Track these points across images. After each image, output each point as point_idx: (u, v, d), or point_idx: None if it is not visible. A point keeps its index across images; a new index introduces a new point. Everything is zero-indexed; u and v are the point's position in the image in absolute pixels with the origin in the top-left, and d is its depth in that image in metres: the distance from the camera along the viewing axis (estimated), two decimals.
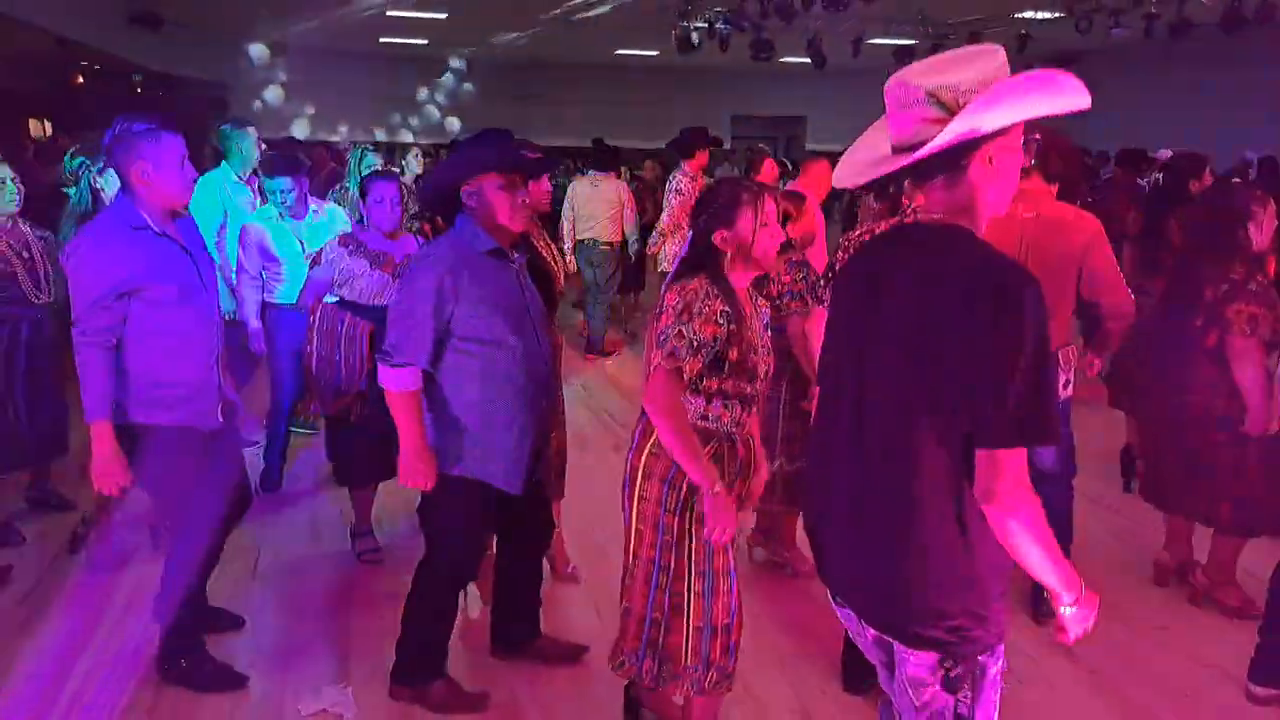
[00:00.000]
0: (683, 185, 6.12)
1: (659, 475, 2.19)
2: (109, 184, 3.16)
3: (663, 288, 2.27)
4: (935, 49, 11.70)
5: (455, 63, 17.25)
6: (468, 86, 17.43)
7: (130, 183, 2.49)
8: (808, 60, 12.46)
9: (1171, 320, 3.26)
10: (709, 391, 2.16)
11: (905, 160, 1.45)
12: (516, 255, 2.51)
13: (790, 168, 8.52)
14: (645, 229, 7.09)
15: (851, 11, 8.74)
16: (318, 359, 3.37)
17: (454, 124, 17.12)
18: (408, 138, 16.77)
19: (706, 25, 11.11)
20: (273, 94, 15.85)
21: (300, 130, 15.14)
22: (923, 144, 1.42)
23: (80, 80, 11.94)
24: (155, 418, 2.56)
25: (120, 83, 13.05)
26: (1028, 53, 12.93)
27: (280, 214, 4.05)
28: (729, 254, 2.18)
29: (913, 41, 12.93)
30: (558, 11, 11.82)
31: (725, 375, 2.14)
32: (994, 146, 1.46)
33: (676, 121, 18.07)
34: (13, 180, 3.49)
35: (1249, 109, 12.11)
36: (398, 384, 2.35)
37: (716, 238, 2.18)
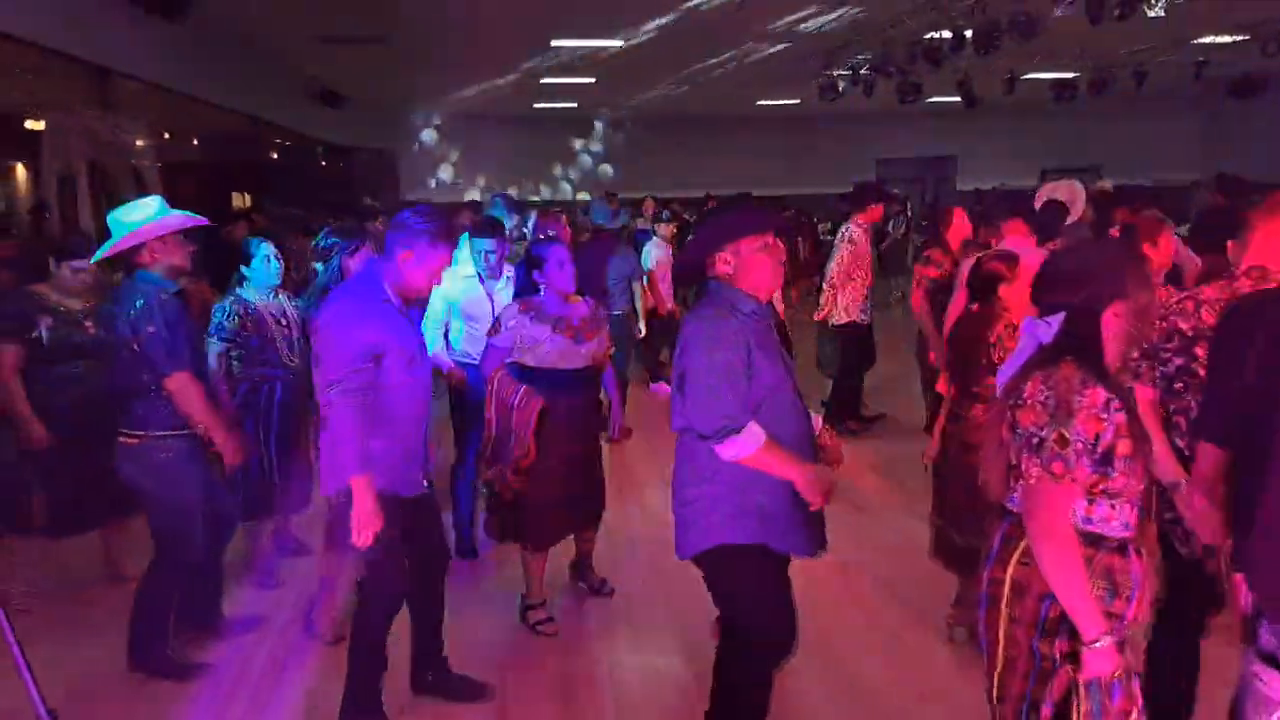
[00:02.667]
0: (856, 235, 5.98)
1: (1035, 592, 1.84)
2: (358, 265, 3.45)
3: (1011, 374, 1.94)
4: (1098, 81, 11.13)
5: (602, 122, 17.95)
6: (615, 148, 18.05)
7: (394, 263, 2.71)
8: (958, 99, 12.15)
9: None
10: (1092, 491, 1.81)
11: None
12: (768, 311, 2.48)
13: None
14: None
15: (1004, 50, 8.47)
16: (497, 425, 3.43)
17: (607, 170, 17.80)
18: (547, 194, 17.56)
19: (850, 72, 11.06)
20: (437, 157, 16.99)
21: (446, 178, 16.14)
22: None
23: (274, 155, 13.23)
24: (380, 483, 2.68)
25: (307, 155, 14.36)
26: (1205, 78, 12.13)
27: (480, 274, 4.17)
28: (1111, 330, 1.85)
29: (1073, 74, 12.37)
30: (698, 68, 12.11)
31: (1115, 473, 1.79)
32: None
33: (819, 169, 18.13)
34: (275, 257, 3.88)
35: None
36: (751, 443, 2.27)
37: (1111, 312, 1.84)
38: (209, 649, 3.48)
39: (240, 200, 12.61)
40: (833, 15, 9.04)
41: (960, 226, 5.27)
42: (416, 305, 2.94)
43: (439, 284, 2.85)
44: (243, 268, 3.90)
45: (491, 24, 9.16)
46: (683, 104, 15.75)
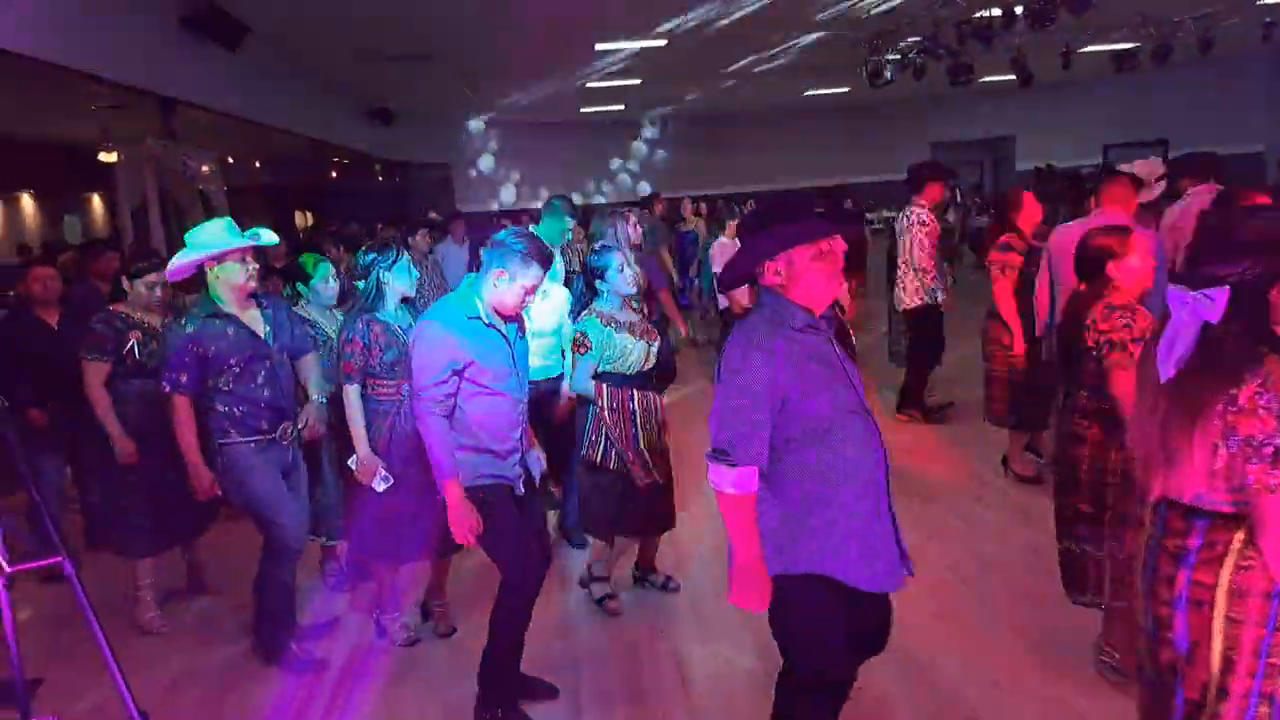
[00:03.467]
0: (926, 217, 5.81)
1: (1260, 591, 1.77)
2: (397, 279, 3.49)
3: (1181, 357, 1.77)
4: (1160, 50, 10.75)
5: (649, 123, 17.99)
6: (660, 154, 18.05)
7: (489, 279, 2.81)
8: (1013, 78, 11.86)
9: None
10: None
11: None
12: (824, 323, 2.26)
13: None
14: None
15: (1059, 24, 8.22)
16: (619, 440, 3.57)
17: (645, 188, 17.85)
18: (599, 199, 17.67)
19: (899, 57, 10.88)
20: (488, 167, 17.24)
21: (508, 195, 16.41)
22: None
23: (333, 174, 13.57)
24: (470, 480, 2.83)
25: (363, 172, 14.70)
26: (1274, 40, 11.62)
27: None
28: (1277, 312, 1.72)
29: (1133, 45, 11.97)
30: (744, 63, 12.05)
31: None
32: None
33: (873, 156, 17.87)
34: (333, 277, 3.99)
35: None
36: (737, 486, 2.11)
37: (1277, 290, 1.70)
38: (321, 657, 3.55)
39: (303, 219, 12.98)
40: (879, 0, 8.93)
41: (1031, 211, 5.07)
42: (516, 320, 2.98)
43: (532, 301, 2.91)
44: (300, 285, 3.99)
45: (536, 32, 9.26)
46: (730, 99, 15.69)
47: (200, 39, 7.20)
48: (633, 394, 3.61)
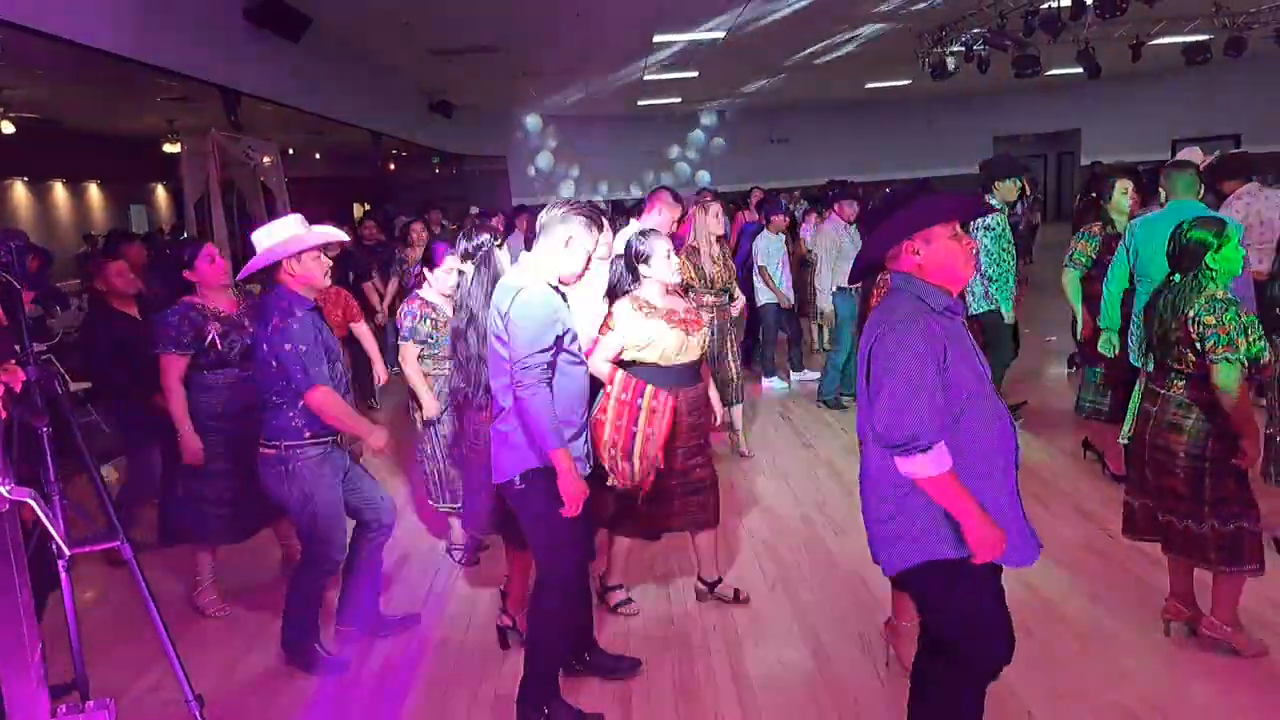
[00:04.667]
0: (991, 220, 5.50)
1: None
2: (504, 257, 3.42)
3: None
4: (1235, 41, 10.33)
5: (707, 118, 17.87)
6: (718, 141, 17.95)
7: (557, 249, 2.77)
8: (1080, 70, 11.52)
9: None
10: None
11: None
12: (959, 306, 2.26)
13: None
14: None
15: (1129, 15, 7.95)
16: (612, 429, 3.19)
17: (704, 177, 17.73)
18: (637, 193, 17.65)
19: (963, 49, 10.64)
20: (544, 161, 17.31)
21: (568, 191, 16.49)
22: None
23: (391, 166, 13.77)
24: (540, 460, 2.73)
25: (422, 164, 14.88)
26: None
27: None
28: None
29: (1206, 36, 11.53)
30: (803, 55, 11.91)
31: None
32: None
33: (935, 150, 17.47)
34: (458, 271, 3.79)
35: None
36: (937, 465, 2.09)
37: None
38: (366, 646, 3.54)
39: (360, 210, 13.19)
40: None
41: (1120, 199, 4.93)
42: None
43: (590, 270, 2.90)
44: (426, 270, 4.03)
45: (597, 25, 9.26)
46: (788, 92, 15.53)
47: (263, 31, 7.33)
48: (643, 388, 3.28)
